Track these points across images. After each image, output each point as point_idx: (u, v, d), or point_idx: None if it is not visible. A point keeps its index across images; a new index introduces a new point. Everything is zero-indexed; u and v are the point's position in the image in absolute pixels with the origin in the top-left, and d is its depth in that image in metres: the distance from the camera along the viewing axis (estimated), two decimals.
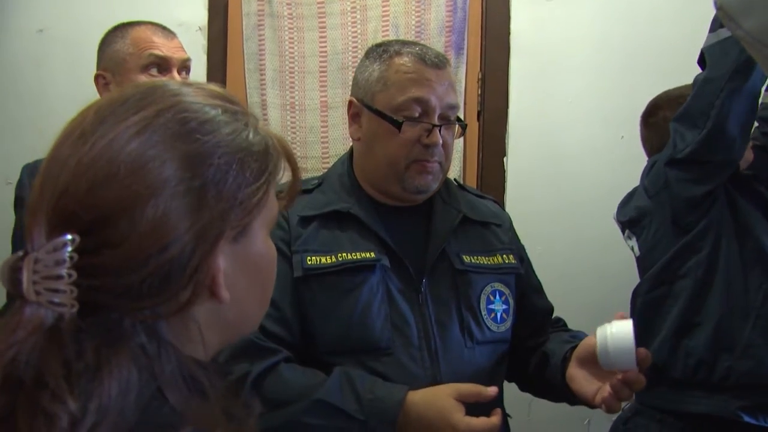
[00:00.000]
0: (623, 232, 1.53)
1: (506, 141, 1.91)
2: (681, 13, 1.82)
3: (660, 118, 1.47)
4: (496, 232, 1.11)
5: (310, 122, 1.98)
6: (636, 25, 1.87)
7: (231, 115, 0.52)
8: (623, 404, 0.94)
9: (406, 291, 1.00)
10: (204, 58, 1.99)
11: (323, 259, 0.98)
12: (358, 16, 1.96)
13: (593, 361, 0.92)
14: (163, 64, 1.30)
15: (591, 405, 0.94)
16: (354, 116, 1.06)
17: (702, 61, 1.31)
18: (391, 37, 1.90)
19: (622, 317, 0.91)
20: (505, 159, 1.91)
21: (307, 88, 1.99)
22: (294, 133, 1.99)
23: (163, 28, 1.35)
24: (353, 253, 0.99)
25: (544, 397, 1.11)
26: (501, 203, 1.38)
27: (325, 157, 1.97)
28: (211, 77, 1.98)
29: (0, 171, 1.95)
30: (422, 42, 1.12)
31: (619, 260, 1.63)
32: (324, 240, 1.00)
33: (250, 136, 0.53)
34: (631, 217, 1.47)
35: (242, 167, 0.51)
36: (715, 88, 1.23)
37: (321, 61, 1.98)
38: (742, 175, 1.39)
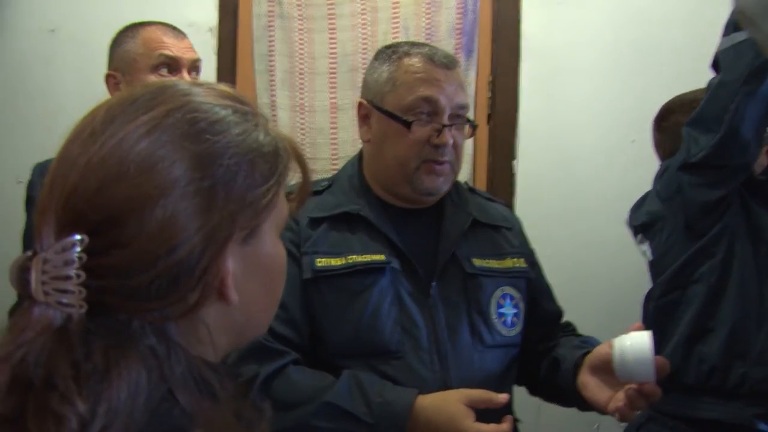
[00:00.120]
0: (635, 236, 1.52)
1: (516, 144, 1.90)
2: (692, 16, 1.81)
3: (673, 123, 1.46)
4: (507, 235, 1.10)
5: (320, 124, 1.98)
6: (646, 28, 1.86)
7: (241, 115, 0.52)
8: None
9: (415, 294, 0.99)
10: (214, 58, 1.99)
11: (333, 261, 0.98)
12: (369, 18, 1.96)
13: (606, 369, 0.91)
14: (173, 65, 1.30)
15: (603, 412, 0.93)
16: (364, 118, 1.06)
17: (716, 65, 1.30)
18: (402, 39, 1.89)
19: (640, 328, 0.90)
20: (514, 162, 1.90)
21: (316, 90, 1.99)
22: (303, 134, 1.98)
23: (174, 29, 1.35)
24: (363, 255, 0.98)
25: (553, 402, 1.11)
26: (510, 206, 1.38)
27: (334, 158, 1.97)
28: (221, 78, 1.98)
29: (10, 169, 1.96)
30: (432, 44, 1.11)
31: (630, 264, 1.62)
32: (334, 242, 1.00)
33: (261, 136, 0.52)
34: (644, 222, 1.46)
35: (252, 168, 0.50)
36: (730, 92, 1.22)
37: (331, 63, 1.98)
38: (756, 179, 1.38)
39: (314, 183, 1.07)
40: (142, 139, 0.47)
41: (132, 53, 1.30)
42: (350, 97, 1.95)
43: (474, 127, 1.07)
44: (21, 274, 0.45)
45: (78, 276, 0.44)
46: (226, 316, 0.52)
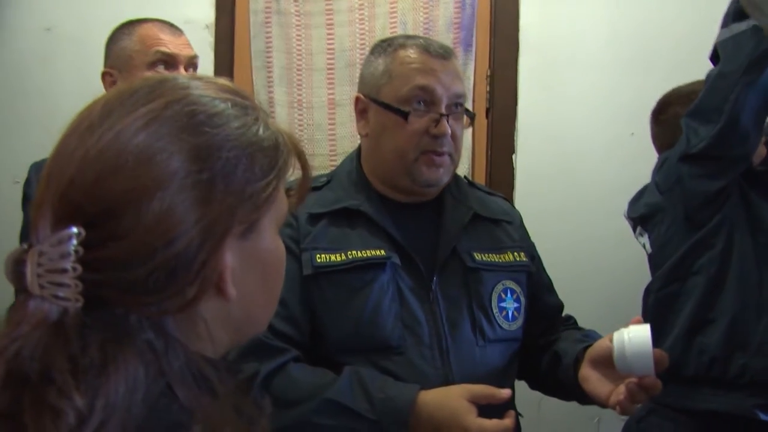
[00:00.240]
0: (634, 229, 1.52)
1: (515, 138, 1.90)
2: (691, 9, 1.81)
3: (671, 115, 1.46)
4: (507, 229, 1.10)
5: (318, 120, 1.98)
6: (645, 21, 1.85)
7: (241, 109, 0.52)
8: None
9: (416, 289, 0.99)
10: (211, 55, 1.99)
11: (333, 257, 0.97)
12: (366, 13, 1.95)
13: (607, 363, 0.91)
14: (170, 61, 1.30)
15: (604, 406, 0.93)
16: (361, 112, 1.06)
17: (714, 57, 1.30)
18: (399, 33, 1.89)
19: (639, 322, 0.90)
20: (513, 156, 1.90)
21: (314, 86, 1.98)
22: (301, 130, 1.98)
23: (170, 25, 1.35)
24: (363, 251, 0.98)
25: (554, 396, 1.10)
26: (510, 201, 1.38)
27: (332, 154, 1.97)
28: (218, 75, 1.96)
29: (7, 169, 1.96)
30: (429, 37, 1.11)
31: (629, 257, 1.62)
32: (333, 237, 0.99)
33: (260, 130, 0.52)
34: (642, 214, 1.46)
35: (252, 161, 0.50)
36: (730, 83, 1.22)
37: (328, 59, 1.97)
38: (755, 170, 1.38)
39: (313, 179, 1.06)
40: (141, 131, 0.46)
41: (128, 50, 1.30)
42: (348, 92, 1.95)
43: (472, 117, 1.06)
44: (16, 267, 0.44)
45: (74, 269, 0.43)
46: (224, 311, 0.51)
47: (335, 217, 1.01)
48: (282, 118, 1.97)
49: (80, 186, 0.46)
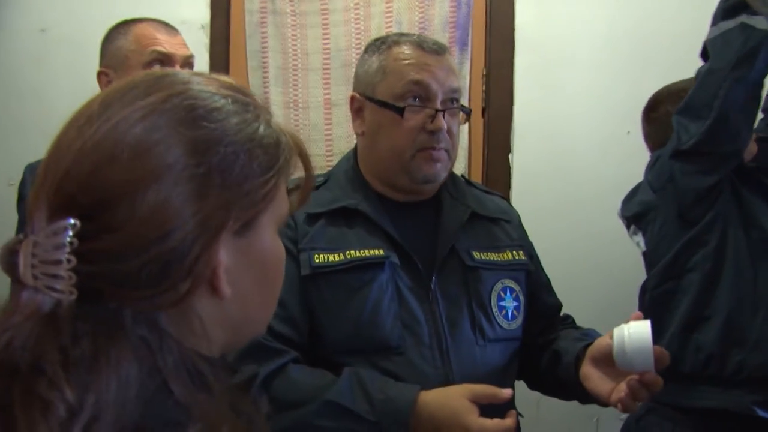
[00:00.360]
0: (628, 227, 1.52)
1: (511, 137, 1.90)
2: (685, 6, 1.81)
3: (662, 113, 1.47)
4: (506, 228, 1.10)
5: (314, 120, 1.97)
6: (641, 19, 1.86)
7: (241, 105, 0.51)
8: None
9: (415, 288, 0.99)
10: (207, 56, 1.98)
11: (331, 257, 0.97)
12: (362, 13, 1.95)
13: (607, 361, 0.91)
14: (166, 61, 1.29)
15: (605, 404, 0.93)
16: (357, 111, 1.06)
17: (704, 54, 1.31)
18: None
19: (639, 317, 0.90)
20: (510, 155, 1.90)
21: (310, 86, 1.98)
22: (297, 130, 1.98)
23: (166, 25, 1.35)
24: (362, 251, 0.97)
25: (554, 395, 1.10)
26: (507, 200, 1.38)
27: (329, 154, 1.96)
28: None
29: (2, 171, 1.95)
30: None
31: (626, 256, 1.62)
32: (331, 237, 0.99)
33: (261, 128, 0.51)
34: (636, 212, 1.47)
35: (250, 158, 0.49)
36: (719, 79, 1.23)
37: (324, 58, 1.97)
38: (746, 167, 1.39)
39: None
40: (138, 123, 0.46)
41: (124, 50, 1.29)
42: (344, 92, 1.94)
43: (468, 113, 1.06)
44: (9, 257, 0.44)
45: (68, 261, 0.43)
46: (220, 309, 0.51)
47: (333, 216, 1.01)
48: (278, 118, 1.92)
49: (76, 177, 0.45)
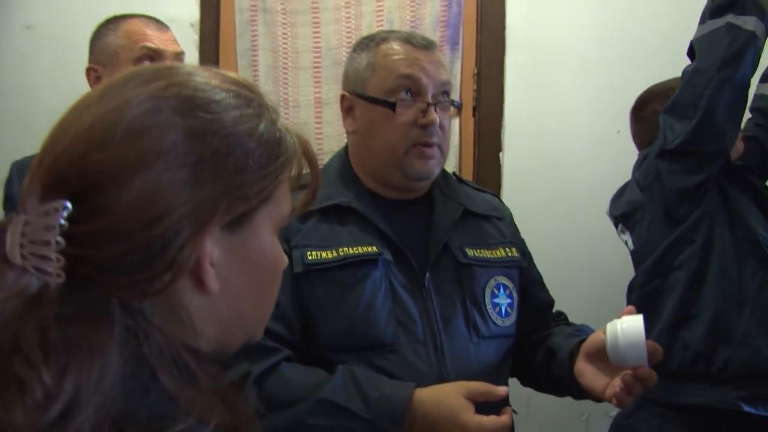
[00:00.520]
0: (616, 226, 1.53)
1: (502, 136, 1.90)
2: (676, 8, 1.82)
3: (649, 112, 1.48)
4: (498, 225, 1.10)
5: (304, 118, 1.97)
6: (631, 19, 1.87)
7: (243, 100, 0.51)
8: None
9: (409, 286, 0.98)
10: (196, 54, 1.96)
11: (324, 254, 0.96)
12: (353, 11, 1.95)
13: (601, 356, 0.91)
14: (156, 57, 1.28)
15: (599, 400, 0.93)
16: (347, 110, 1.05)
17: (691, 54, 1.32)
18: None
19: (632, 312, 0.90)
20: (500, 154, 1.90)
21: (300, 84, 1.97)
22: None
23: (156, 21, 1.34)
24: (355, 248, 0.97)
25: (548, 392, 1.10)
26: (498, 197, 1.38)
27: (319, 153, 1.96)
28: None
29: None
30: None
31: (616, 255, 1.62)
32: (324, 235, 0.98)
33: (261, 124, 0.51)
34: (624, 211, 1.47)
35: (246, 153, 0.49)
36: (705, 79, 1.24)
37: (315, 57, 1.96)
38: (733, 165, 1.40)
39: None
40: (134, 108, 0.46)
41: (114, 46, 1.28)
42: (335, 91, 1.93)
43: (458, 107, 1.07)
44: None
45: (57, 243, 0.43)
46: (209, 305, 0.50)
47: (325, 214, 1.00)
48: None
49: (69, 158, 0.45)
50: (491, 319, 1.01)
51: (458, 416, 0.85)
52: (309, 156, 0.56)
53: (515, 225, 1.16)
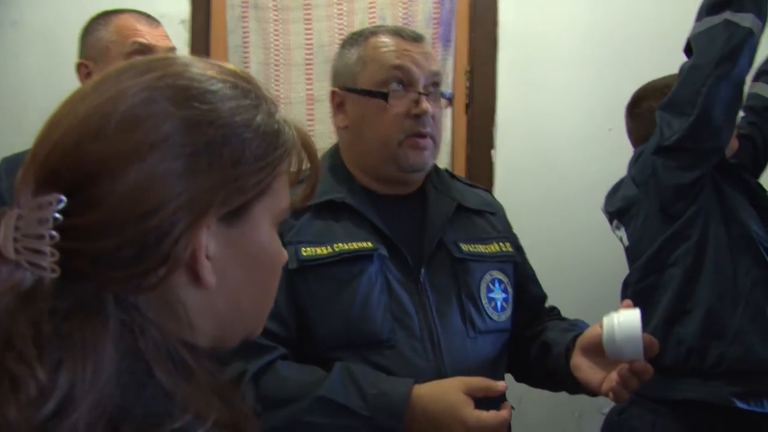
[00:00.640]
0: (611, 222, 1.53)
1: (494, 133, 1.90)
2: (668, 6, 1.83)
3: (645, 109, 1.48)
4: (491, 220, 1.10)
5: (296, 116, 1.95)
6: (623, 17, 1.87)
7: (240, 92, 0.50)
8: None
9: (404, 281, 0.98)
10: (187, 51, 1.95)
11: (318, 250, 0.95)
12: (345, 8, 1.94)
13: (597, 350, 0.91)
14: (147, 52, 1.26)
15: (596, 394, 0.93)
16: (338, 106, 1.05)
17: (688, 50, 1.32)
18: None
19: (629, 306, 0.90)
20: (493, 151, 1.91)
21: (292, 81, 1.96)
22: None
23: (147, 16, 1.33)
24: (349, 243, 0.96)
25: (543, 387, 1.10)
26: (490, 193, 1.38)
27: None
28: None
29: None
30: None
31: (609, 251, 1.63)
32: (318, 230, 0.98)
33: (259, 116, 0.50)
34: (619, 207, 1.48)
35: (242, 144, 0.48)
36: (702, 75, 1.25)
37: (306, 54, 1.96)
38: (728, 163, 1.41)
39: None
40: (128, 99, 0.45)
41: (104, 41, 1.27)
42: (327, 88, 1.88)
43: (449, 97, 1.07)
44: None
45: (51, 237, 0.42)
46: (206, 300, 0.49)
47: (319, 210, 0.99)
48: None
49: (62, 151, 0.44)
50: (487, 314, 1.01)
51: (458, 412, 0.84)
52: (309, 149, 0.55)
53: (508, 220, 1.16)
